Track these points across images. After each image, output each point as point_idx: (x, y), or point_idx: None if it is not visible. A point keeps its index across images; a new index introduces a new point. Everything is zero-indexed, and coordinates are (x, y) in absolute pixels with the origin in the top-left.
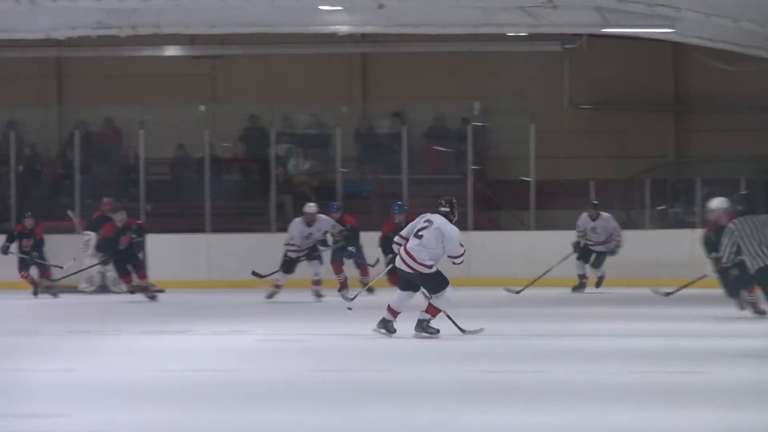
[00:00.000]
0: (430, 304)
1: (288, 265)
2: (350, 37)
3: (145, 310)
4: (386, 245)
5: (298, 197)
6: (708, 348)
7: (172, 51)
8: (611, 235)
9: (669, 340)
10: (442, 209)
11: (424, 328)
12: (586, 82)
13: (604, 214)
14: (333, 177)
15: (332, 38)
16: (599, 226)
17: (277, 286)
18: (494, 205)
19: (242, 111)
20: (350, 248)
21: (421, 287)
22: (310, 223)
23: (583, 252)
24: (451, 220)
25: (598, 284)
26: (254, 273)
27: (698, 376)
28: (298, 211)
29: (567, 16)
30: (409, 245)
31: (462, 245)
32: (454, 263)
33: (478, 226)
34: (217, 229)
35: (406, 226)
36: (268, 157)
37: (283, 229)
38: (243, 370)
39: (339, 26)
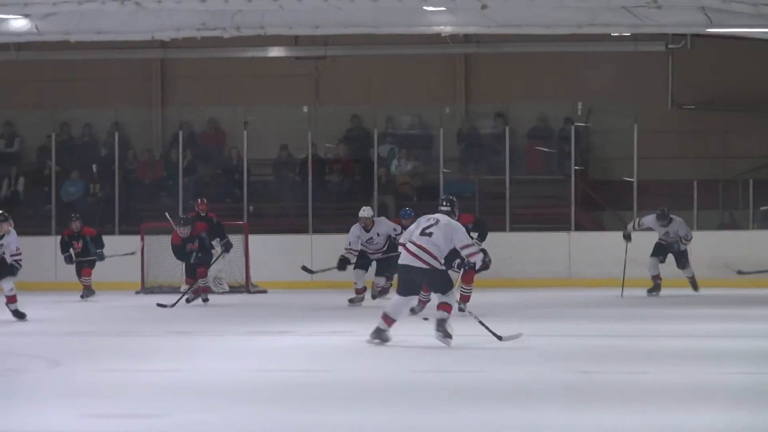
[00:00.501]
0: (442, 302)
1: (342, 264)
2: (453, 38)
3: (247, 312)
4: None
5: (401, 198)
6: None
7: (275, 52)
8: (681, 239)
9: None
10: (443, 208)
11: (445, 328)
12: (689, 82)
13: (676, 219)
14: (435, 178)
15: (435, 39)
16: (671, 231)
17: (358, 291)
18: (597, 205)
19: (345, 112)
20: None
21: (422, 291)
22: (367, 228)
23: (658, 248)
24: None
25: (694, 285)
26: (304, 268)
27: None
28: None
29: (671, 16)
30: (419, 241)
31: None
32: (467, 259)
33: (581, 227)
34: (319, 230)
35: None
36: (371, 157)
37: None
38: (341, 371)
39: (442, 27)
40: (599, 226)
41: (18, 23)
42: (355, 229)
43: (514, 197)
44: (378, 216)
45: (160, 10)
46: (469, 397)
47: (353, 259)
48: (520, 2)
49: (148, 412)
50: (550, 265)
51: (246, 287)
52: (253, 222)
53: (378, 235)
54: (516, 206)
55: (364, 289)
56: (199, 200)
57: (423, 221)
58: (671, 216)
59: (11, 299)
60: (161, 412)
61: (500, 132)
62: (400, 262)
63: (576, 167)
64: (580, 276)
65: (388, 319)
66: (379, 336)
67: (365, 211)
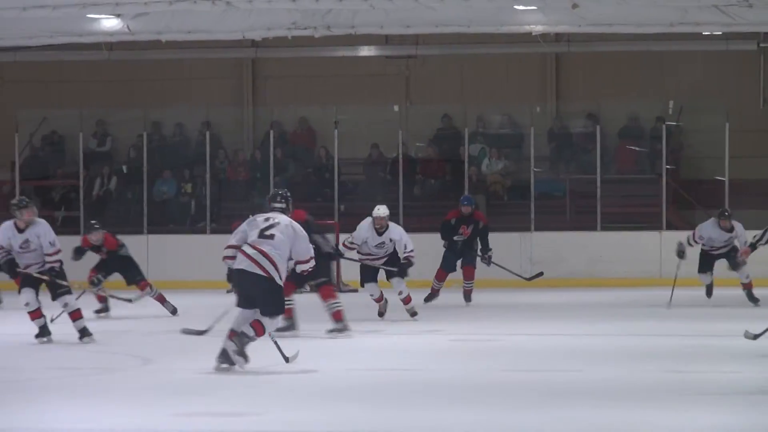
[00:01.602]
0: (258, 321)
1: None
2: (544, 37)
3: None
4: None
5: (491, 197)
6: None
7: (366, 51)
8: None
9: None
10: (277, 205)
11: (244, 346)
12: None
13: (737, 224)
14: (526, 177)
15: (526, 38)
16: (733, 236)
17: (378, 299)
18: (688, 204)
19: (436, 111)
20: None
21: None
22: (380, 229)
23: (704, 261)
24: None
25: (749, 294)
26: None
27: None
28: (492, 211)
29: (763, 15)
30: (259, 245)
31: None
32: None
33: (672, 226)
34: (410, 229)
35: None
36: (461, 157)
37: None
38: (432, 370)
39: (533, 26)
40: (690, 225)
41: (110, 23)
42: (367, 229)
43: (605, 196)
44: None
45: (251, 10)
46: (562, 397)
47: (348, 254)
48: (611, 1)
49: (243, 411)
50: (641, 264)
51: (337, 286)
52: (343, 221)
53: (390, 241)
54: (607, 205)
55: (382, 295)
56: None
57: (260, 221)
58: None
59: (75, 315)
60: (257, 411)
61: (591, 131)
62: (236, 266)
63: (667, 166)
64: (671, 275)
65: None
66: (226, 358)
67: (380, 210)
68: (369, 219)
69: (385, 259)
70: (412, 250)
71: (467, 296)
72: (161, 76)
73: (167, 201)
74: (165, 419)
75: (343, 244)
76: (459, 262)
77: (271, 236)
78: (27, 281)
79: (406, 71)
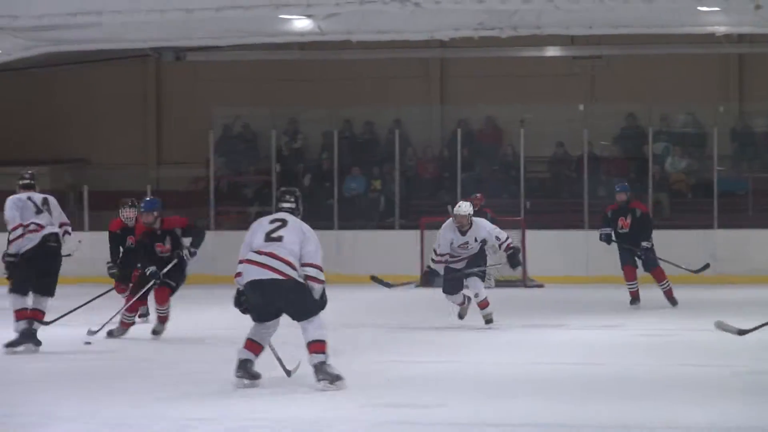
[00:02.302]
0: (312, 341)
1: (427, 278)
2: (727, 38)
3: (522, 305)
4: (605, 224)
5: (675, 195)
6: None
7: (551, 51)
8: None
9: None
10: (286, 205)
11: (326, 371)
12: None
13: None
14: (709, 176)
15: (709, 38)
16: None
17: (462, 303)
18: None
19: (620, 110)
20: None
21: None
22: (463, 228)
23: None
24: None
25: None
26: (374, 278)
27: None
28: (675, 209)
29: None
30: (266, 249)
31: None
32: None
33: None
34: (595, 226)
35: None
36: (645, 155)
37: (662, 226)
38: (612, 364)
39: (716, 27)
40: None
41: (301, 23)
42: (448, 230)
43: None
44: None
45: (439, 11)
46: (738, 392)
47: (441, 271)
48: None
49: (426, 403)
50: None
51: (523, 281)
52: (529, 218)
53: (475, 240)
54: None
55: (465, 298)
56: (477, 195)
57: (265, 223)
58: None
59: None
60: (438, 403)
61: None
62: (247, 278)
63: None
64: None
65: (255, 345)
66: (246, 370)
67: (462, 207)
68: (450, 221)
69: (467, 261)
70: (507, 237)
71: (670, 299)
72: (351, 76)
73: (356, 197)
74: (354, 408)
75: (431, 259)
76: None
77: (279, 238)
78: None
79: (591, 71)
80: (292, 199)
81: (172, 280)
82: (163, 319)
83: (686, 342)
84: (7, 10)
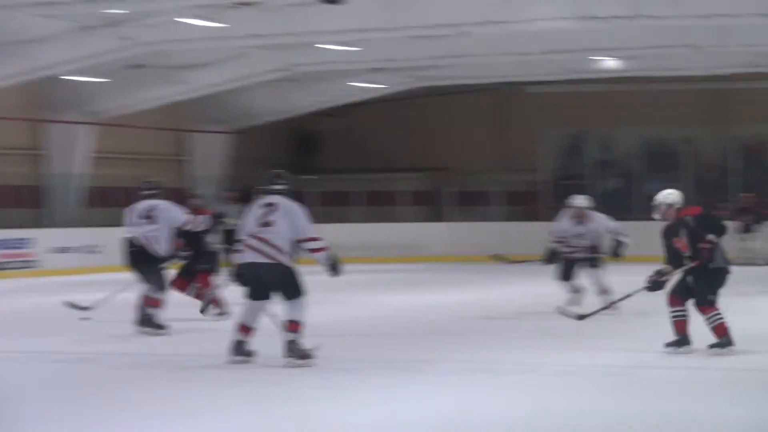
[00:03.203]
0: (290, 320)
1: (554, 260)
2: None
3: None
4: None
5: None
6: None
7: None
8: None
9: None
10: (278, 187)
11: (298, 348)
12: None
13: None
14: None
15: None
16: None
17: (576, 291)
18: None
19: None
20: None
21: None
22: (580, 219)
23: None
24: None
25: None
26: (496, 256)
27: None
28: None
29: None
30: (260, 234)
31: None
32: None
33: None
34: None
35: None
36: None
37: None
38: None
39: None
40: None
41: (609, 63)
42: (566, 220)
43: None
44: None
45: (717, 53)
46: None
47: (558, 248)
48: None
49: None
50: None
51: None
52: None
53: (589, 232)
54: None
55: (577, 288)
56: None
57: (256, 209)
58: None
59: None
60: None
61: None
62: (244, 260)
63: None
64: None
65: (245, 328)
66: (240, 350)
67: (576, 200)
68: (569, 211)
69: (583, 252)
70: (616, 227)
71: None
72: (650, 103)
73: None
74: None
75: (552, 240)
76: None
77: (269, 223)
78: None
79: None
80: (282, 182)
81: None
82: None
83: None
84: (388, 54)
